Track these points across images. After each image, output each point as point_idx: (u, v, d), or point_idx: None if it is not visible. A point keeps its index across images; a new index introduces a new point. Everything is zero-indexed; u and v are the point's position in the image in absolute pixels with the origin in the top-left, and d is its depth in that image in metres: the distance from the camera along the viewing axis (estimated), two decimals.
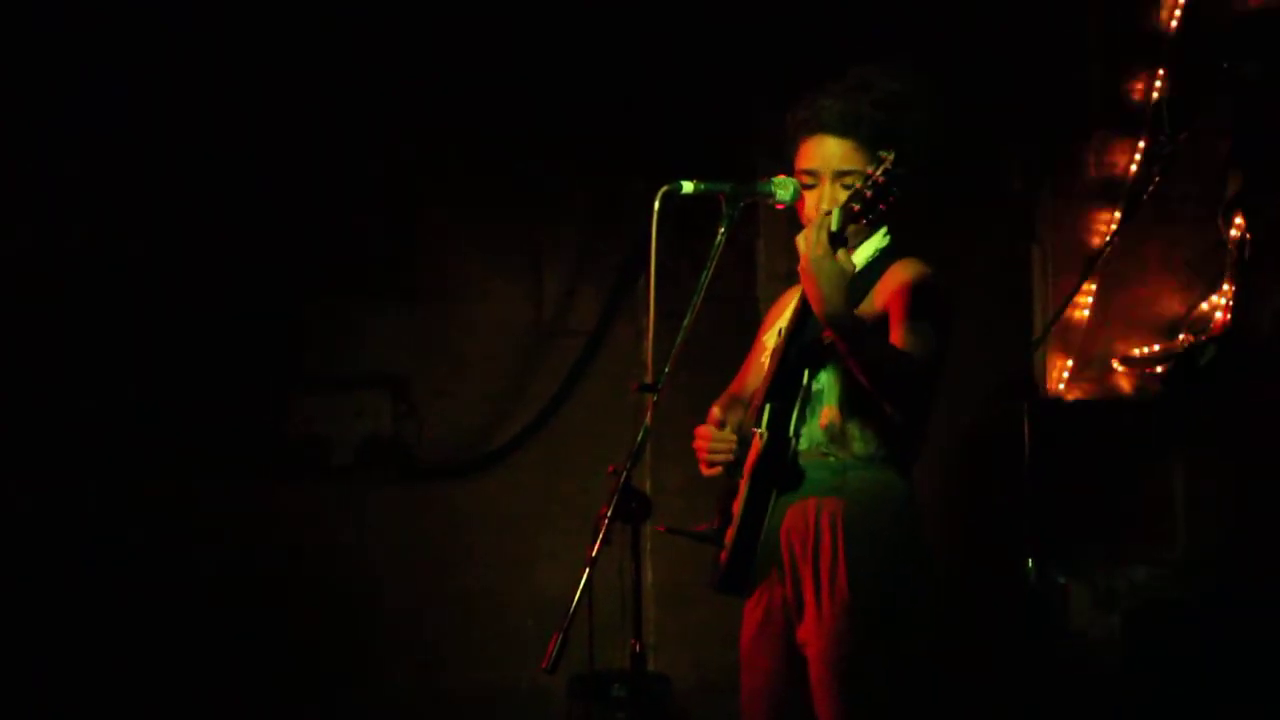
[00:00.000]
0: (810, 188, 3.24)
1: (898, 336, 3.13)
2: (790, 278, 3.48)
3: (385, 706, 5.42)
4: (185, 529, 5.27)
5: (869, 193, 2.96)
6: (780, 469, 3.16)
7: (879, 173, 2.95)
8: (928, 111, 3.19)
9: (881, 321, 3.17)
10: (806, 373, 3.18)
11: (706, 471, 3.30)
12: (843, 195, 3.15)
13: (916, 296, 3.15)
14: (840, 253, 3.03)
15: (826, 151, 3.22)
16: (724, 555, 3.24)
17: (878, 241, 3.30)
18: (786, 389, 3.17)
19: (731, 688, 3.38)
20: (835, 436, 3.19)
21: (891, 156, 2.94)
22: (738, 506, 3.21)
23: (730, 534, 3.22)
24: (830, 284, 3.02)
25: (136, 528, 5.21)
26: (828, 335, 3.11)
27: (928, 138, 3.17)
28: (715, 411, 3.43)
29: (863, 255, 3.26)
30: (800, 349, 3.18)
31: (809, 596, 3.15)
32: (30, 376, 5.15)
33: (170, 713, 5.17)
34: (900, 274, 3.21)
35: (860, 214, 2.99)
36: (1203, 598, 4.57)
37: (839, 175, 3.21)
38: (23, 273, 5.17)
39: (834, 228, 3.03)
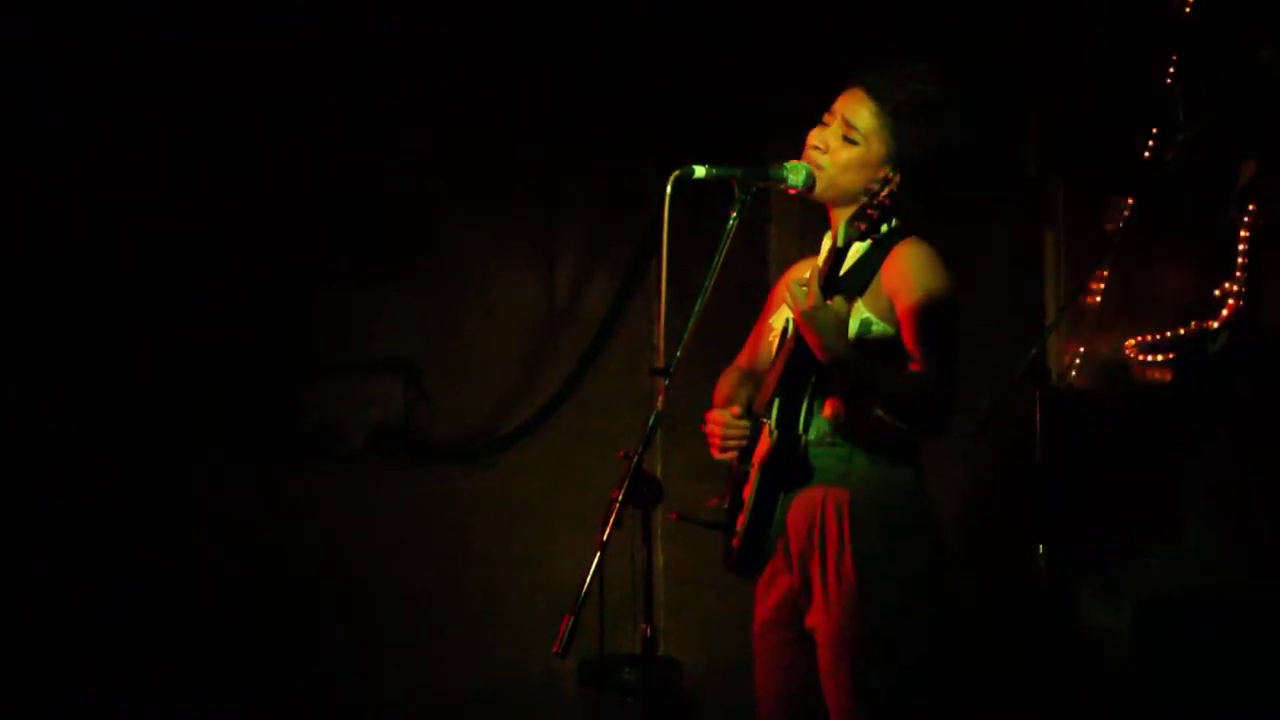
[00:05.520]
0: (823, 126, 3.27)
1: (911, 346, 3.11)
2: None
3: (395, 691, 5.43)
4: (195, 515, 5.27)
5: (874, 213, 2.98)
6: (789, 466, 3.18)
7: (885, 194, 2.97)
8: (958, 123, 3.22)
9: (888, 310, 3.17)
10: (815, 371, 3.16)
11: (719, 456, 3.31)
12: (835, 142, 3.20)
13: (924, 297, 3.13)
14: (836, 299, 3.04)
15: (854, 102, 3.25)
16: (736, 541, 3.25)
17: None
18: (795, 385, 3.18)
19: (743, 671, 3.39)
20: (841, 426, 3.19)
21: (897, 178, 2.98)
22: (748, 494, 3.21)
23: (742, 520, 3.23)
24: (828, 333, 3.04)
25: (145, 513, 5.21)
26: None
27: (948, 146, 3.21)
28: (723, 389, 3.43)
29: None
30: (809, 347, 3.16)
31: (816, 584, 3.16)
32: (40, 362, 5.16)
33: (174, 700, 5.17)
34: (904, 260, 3.17)
35: (865, 234, 3.01)
36: (1213, 588, 4.57)
37: (848, 125, 3.23)
38: (34, 259, 5.17)
39: (839, 243, 3.05)
